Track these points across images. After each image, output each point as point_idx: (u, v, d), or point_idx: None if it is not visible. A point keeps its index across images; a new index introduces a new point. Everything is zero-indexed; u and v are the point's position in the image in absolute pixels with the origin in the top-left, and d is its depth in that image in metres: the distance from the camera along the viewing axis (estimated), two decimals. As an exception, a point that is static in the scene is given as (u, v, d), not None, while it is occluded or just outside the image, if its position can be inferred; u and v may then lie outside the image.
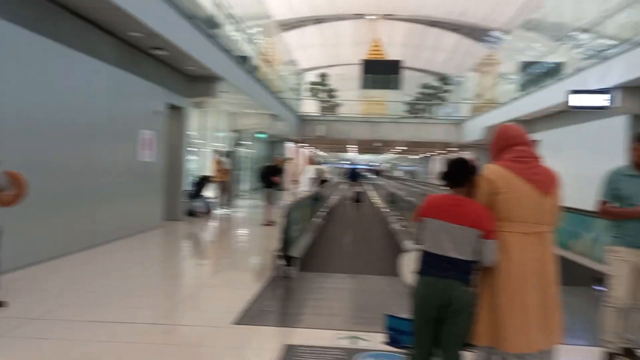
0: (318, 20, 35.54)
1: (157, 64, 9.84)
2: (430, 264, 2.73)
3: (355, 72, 31.84)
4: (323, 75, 34.51)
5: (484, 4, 28.95)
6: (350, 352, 3.84)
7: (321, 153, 49.89)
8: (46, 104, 6.59)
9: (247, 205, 17.80)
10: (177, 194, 11.51)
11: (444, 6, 30.98)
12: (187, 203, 12.41)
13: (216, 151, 14.95)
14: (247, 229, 12.59)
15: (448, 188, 2.87)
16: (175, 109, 11.28)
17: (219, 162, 14.37)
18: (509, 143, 2.90)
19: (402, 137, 26.69)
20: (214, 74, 11.13)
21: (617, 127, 11.31)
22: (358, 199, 22.34)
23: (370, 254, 9.50)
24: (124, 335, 4.08)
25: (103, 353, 3.73)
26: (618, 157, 10.86)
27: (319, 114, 29.27)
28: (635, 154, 3.79)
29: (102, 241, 8.03)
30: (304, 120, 26.21)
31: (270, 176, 12.00)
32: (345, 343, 4.01)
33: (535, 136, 14.42)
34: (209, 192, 14.44)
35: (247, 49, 14.68)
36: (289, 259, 6.25)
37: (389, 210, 15.16)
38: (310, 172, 14.48)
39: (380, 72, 28.56)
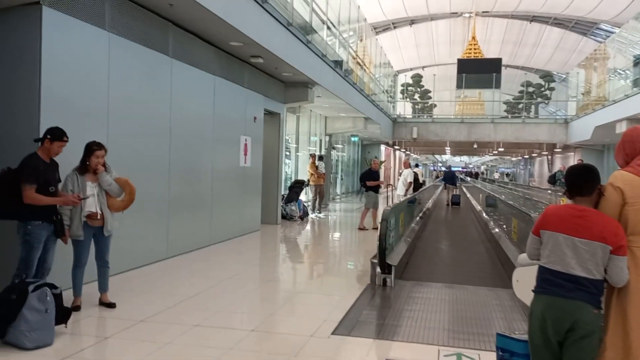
0: (412, 21, 34.99)
1: (255, 71, 10.12)
2: (552, 281, 2.47)
3: (451, 72, 30.94)
4: (417, 77, 33.84)
5: (591, -5, 26.97)
6: (456, 371, 3.63)
7: (415, 155, 49.01)
8: (157, 113, 6.97)
9: (342, 209, 17.85)
10: (274, 198, 11.77)
11: (546, 0, 29.22)
12: (283, 207, 12.66)
13: (312, 155, 15.13)
14: (342, 232, 12.58)
15: (570, 197, 2.60)
16: (272, 115, 11.55)
17: (315, 166, 14.53)
18: None
19: (501, 138, 25.47)
20: (309, 79, 11.25)
21: None
22: (455, 201, 21.73)
23: (469, 261, 9.09)
24: (223, 341, 4.16)
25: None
26: None
27: (412, 116, 28.74)
28: None
29: (206, 244, 8.39)
30: (397, 122, 25.87)
31: (368, 180, 11.89)
32: (450, 361, 3.79)
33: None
34: (304, 196, 14.65)
35: (341, 53, 14.71)
36: (386, 267, 6.10)
37: (488, 214, 14.48)
38: (405, 175, 14.16)
39: (477, 71, 27.51)
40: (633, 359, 2.39)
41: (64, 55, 5.25)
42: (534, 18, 33.56)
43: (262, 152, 10.92)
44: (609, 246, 2.38)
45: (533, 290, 2.56)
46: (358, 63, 17.49)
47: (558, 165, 30.56)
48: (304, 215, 13.27)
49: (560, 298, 2.42)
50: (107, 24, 5.84)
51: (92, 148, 4.73)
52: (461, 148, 41.27)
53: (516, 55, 38.59)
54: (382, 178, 15.85)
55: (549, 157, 35.43)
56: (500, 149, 36.00)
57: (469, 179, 45.80)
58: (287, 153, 15.25)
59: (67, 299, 4.53)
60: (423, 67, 40.01)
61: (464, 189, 28.84)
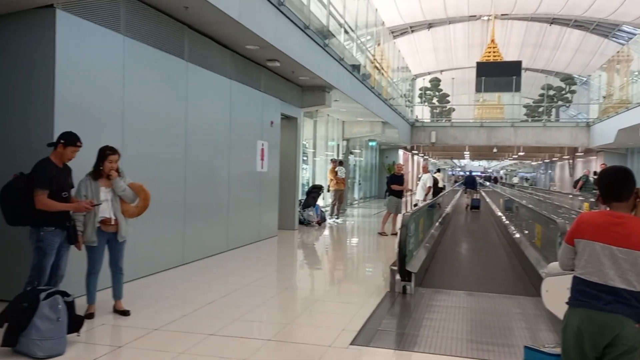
0: (430, 24, 34.76)
1: (271, 75, 10.04)
2: (588, 293, 2.29)
3: (470, 75, 30.62)
4: (435, 80, 33.58)
5: (613, -3, 26.48)
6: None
7: (433, 160, 48.63)
8: (173, 117, 6.91)
9: (360, 214, 17.68)
10: (291, 203, 11.66)
11: (566, 2, 28.78)
12: (300, 212, 12.54)
13: (333, 160, 15.00)
14: (361, 238, 12.42)
15: (604, 203, 2.42)
16: (289, 119, 11.46)
17: (335, 172, 14.38)
18: None
19: (522, 142, 25.09)
20: (326, 84, 11.14)
21: None
22: (475, 205, 21.78)
23: (490, 267, 8.87)
24: (238, 351, 4.03)
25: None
26: None
27: (431, 120, 28.48)
28: None
29: (223, 250, 8.31)
30: (415, 126, 25.65)
31: (393, 183, 11.73)
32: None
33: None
34: (322, 201, 14.52)
35: (359, 57, 14.59)
36: (406, 274, 5.93)
37: (508, 219, 14.19)
38: (424, 179, 13.96)
39: (497, 74, 27.16)
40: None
41: (78, 59, 5.20)
42: (554, 20, 33.10)
43: (279, 157, 10.83)
44: None
45: (568, 303, 2.39)
46: (376, 67, 17.34)
47: (580, 169, 29.96)
48: (321, 221, 13.13)
49: (599, 311, 2.24)
50: (122, 27, 5.79)
51: (106, 153, 4.66)
52: (480, 152, 40.78)
53: (536, 58, 38.09)
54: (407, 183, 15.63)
55: (571, 161, 34.77)
56: (520, 153, 35.48)
57: (488, 183, 45.22)
58: (305, 158, 15.14)
59: (81, 306, 4.46)
60: (441, 71, 39.70)
61: (483, 194, 28.45)
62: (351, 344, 4.20)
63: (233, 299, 5.65)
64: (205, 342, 4.19)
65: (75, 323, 4.00)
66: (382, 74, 18.75)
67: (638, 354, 2.24)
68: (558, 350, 2.79)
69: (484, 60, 31.99)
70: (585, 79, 33.78)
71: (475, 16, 33.72)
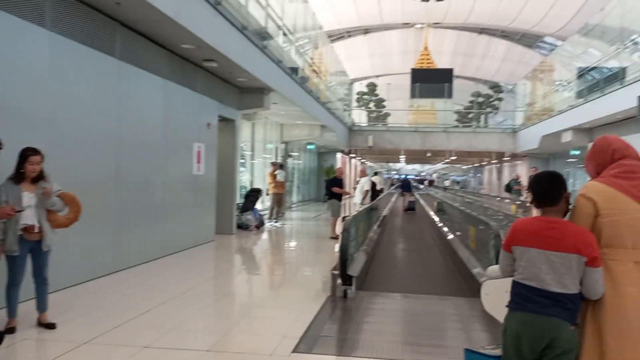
0: (366, 30, 35.38)
1: (208, 76, 9.81)
2: (527, 298, 2.34)
3: (404, 81, 31.41)
4: (372, 85, 34.19)
5: (536, 10, 28.02)
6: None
7: (370, 163, 49.45)
8: (102, 118, 6.58)
9: (298, 218, 17.64)
10: (229, 207, 11.43)
11: (494, 13, 30.18)
12: (238, 216, 12.33)
13: (274, 163, 14.86)
14: (300, 242, 12.37)
15: (537, 207, 2.49)
16: (226, 121, 11.24)
17: (274, 174, 14.24)
18: (613, 156, 2.49)
19: (454, 147, 26.03)
20: (265, 86, 11.03)
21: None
22: (411, 207, 22.70)
23: (427, 269, 9.09)
24: (178, 361, 3.87)
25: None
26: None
27: (368, 125, 28.98)
28: None
29: (158, 256, 7.99)
30: (353, 130, 25.97)
31: (333, 186, 11.75)
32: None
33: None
34: (260, 205, 14.34)
35: (297, 60, 14.57)
36: (347, 278, 5.93)
37: (442, 221, 14.64)
38: (362, 183, 14.13)
39: (430, 81, 28.03)
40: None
41: (-2, 54, 4.83)
42: (482, 30, 34.62)
43: (216, 159, 10.59)
44: (584, 257, 2.28)
45: (508, 306, 2.44)
46: (314, 70, 17.40)
47: (507, 173, 31.47)
48: (260, 225, 12.97)
49: (537, 315, 2.30)
50: (47, 21, 5.44)
51: (26, 154, 4.33)
52: (415, 156, 41.93)
53: (466, 66, 39.68)
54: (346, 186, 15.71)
55: (498, 165, 36.44)
56: (452, 158, 36.80)
57: (422, 186, 46.59)
58: (242, 161, 14.92)
59: (1, 319, 4.12)
60: (377, 76, 40.52)
61: (418, 196, 29.27)
62: (293, 351, 4.13)
63: (169, 308, 5.42)
64: (140, 355, 3.98)
65: (-7, 339, 3.69)
66: (320, 77, 18.84)
67: (574, 355, 2.31)
68: (497, 352, 2.85)
69: (418, 67, 32.93)
70: (511, 87, 35.53)
71: (409, 24, 34.67)
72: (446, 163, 50.06)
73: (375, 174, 23.69)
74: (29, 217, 4.32)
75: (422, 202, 26.61)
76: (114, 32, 6.68)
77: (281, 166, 15.27)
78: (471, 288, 6.98)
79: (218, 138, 10.64)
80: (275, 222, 14.28)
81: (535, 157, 25.69)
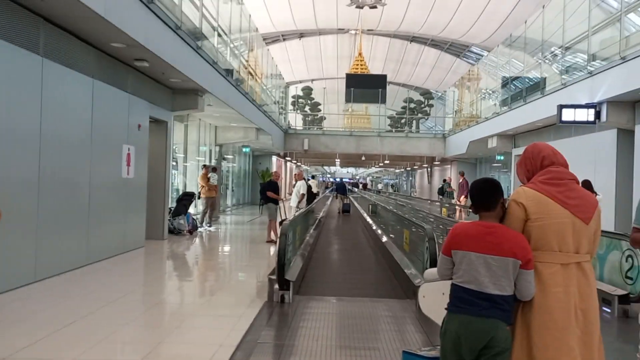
0: (301, 34, 35.52)
1: (140, 76, 9.47)
2: (466, 300, 2.42)
3: (339, 86, 31.81)
4: (307, 89, 34.35)
5: (464, 21, 29.24)
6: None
7: (305, 167, 49.62)
8: (23, 117, 6.18)
9: (233, 222, 17.39)
10: (160, 212, 11.05)
11: (424, 23, 31.20)
12: (170, 221, 11.97)
13: (205, 166, 14.53)
14: (234, 247, 12.17)
15: (475, 213, 2.58)
16: (158, 123, 10.89)
17: (207, 178, 13.94)
18: (542, 163, 2.61)
19: (387, 151, 26.67)
20: (199, 87, 10.79)
21: (605, 142, 11.28)
22: (346, 209, 23.36)
23: (362, 271, 9.21)
24: (107, 375, 3.67)
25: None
26: (607, 172, 10.86)
27: (303, 128, 29.09)
28: None
29: (83, 263, 7.59)
30: (288, 133, 25.99)
31: (269, 190, 11.64)
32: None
33: (518, 152, 14.47)
34: (193, 209, 14.00)
35: (232, 62, 14.38)
36: (285, 283, 5.89)
37: (376, 224, 14.93)
38: (298, 187, 14.14)
39: (364, 86, 28.54)
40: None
41: None
42: (413, 38, 35.65)
43: (147, 162, 10.22)
44: (519, 261, 2.38)
45: (447, 309, 2.50)
46: (249, 72, 17.24)
47: (437, 177, 32.59)
48: (193, 229, 12.65)
49: (476, 317, 2.38)
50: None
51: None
52: (349, 160, 42.56)
53: (398, 73, 40.72)
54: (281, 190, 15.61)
55: (429, 169, 37.68)
56: (386, 161, 37.63)
57: (356, 189, 47.31)
58: (174, 163, 14.52)
59: None
60: (312, 80, 40.76)
61: (352, 199, 29.71)
62: (230, 360, 4.04)
63: (96, 319, 5.15)
64: (64, 371, 3.76)
65: None
66: (256, 79, 18.70)
67: (509, 354, 2.40)
68: (434, 353, 2.92)
69: (353, 72, 33.43)
70: (441, 94, 36.85)
71: (343, 29, 35.13)
72: (380, 166, 51.13)
73: (313, 177, 23.89)
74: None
75: (356, 204, 27.02)
76: (37, 27, 6.30)
77: (214, 169, 14.99)
78: (405, 289, 7.16)
79: (149, 140, 10.28)
80: (209, 226, 14.00)
81: (464, 162, 26.79)
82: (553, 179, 2.54)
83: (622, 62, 9.43)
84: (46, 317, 5.10)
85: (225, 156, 21.08)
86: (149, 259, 9.40)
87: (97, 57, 7.88)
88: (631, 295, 5.78)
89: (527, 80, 16.56)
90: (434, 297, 2.80)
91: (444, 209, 20.50)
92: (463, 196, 19.44)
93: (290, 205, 14.16)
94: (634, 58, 9.08)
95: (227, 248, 12.00)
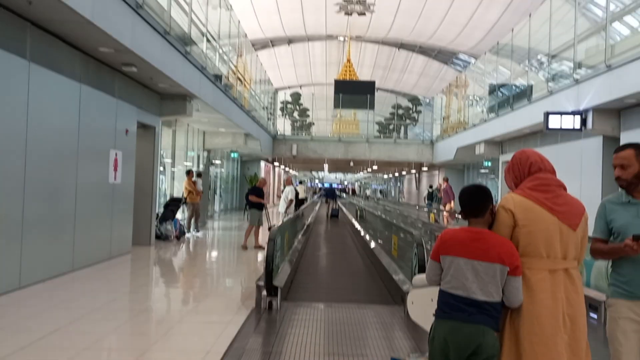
0: (290, 40, 35.58)
1: (127, 80, 9.41)
2: (454, 306, 2.42)
3: (327, 92, 31.86)
4: (296, 95, 34.39)
5: (451, 28, 29.51)
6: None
7: (293, 172, 49.60)
8: (8, 121, 6.11)
9: (220, 227, 17.30)
10: (147, 217, 10.97)
11: (412, 30, 31.43)
12: (157, 226, 11.87)
13: (190, 171, 14.46)
14: (222, 252, 12.10)
15: (464, 219, 2.60)
16: (146, 128, 10.82)
17: (192, 183, 13.86)
18: (530, 170, 2.63)
19: (375, 157, 26.74)
20: (187, 92, 10.74)
21: (591, 149, 11.41)
22: (334, 214, 23.72)
23: (350, 277, 9.20)
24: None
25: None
26: (593, 179, 10.98)
27: (292, 134, 29.11)
28: (615, 170, 2.89)
29: (68, 270, 7.50)
30: (277, 139, 25.97)
31: (251, 194, 11.59)
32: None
33: (505, 158, 14.56)
34: (181, 215, 13.91)
35: (221, 68, 14.35)
36: (273, 289, 5.86)
37: (362, 227, 14.97)
38: (286, 192, 14.12)
39: (353, 92, 28.64)
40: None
41: None
42: (402, 45, 35.87)
43: (134, 167, 10.14)
44: (507, 267, 2.40)
45: (435, 315, 2.50)
46: (238, 78, 17.22)
47: (425, 183, 32.73)
48: (180, 235, 12.57)
49: (464, 323, 2.39)
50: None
51: None
52: (338, 165, 42.60)
53: (386, 79, 40.92)
54: (267, 195, 15.56)
55: (417, 175, 37.84)
56: (374, 167, 37.73)
57: (344, 195, 47.38)
58: (162, 169, 14.43)
59: None
60: (301, 86, 40.84)
61: (341, 204, 29.76)
62: (217, 367, 4.01)
63: (81, 326, 5.09)
64: (49, 379, 3.70)
65: None
66: (245, 85, 18.68)
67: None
68: (421, 359, 2.93)
69: (341, 78, 33.54)
70: (428, 100, 37.06)
71: (332, 36, 35.27)
72: (368, 172, 51.25)
73: (301, 182, 23.94)
74: None
75: (344, 210, 27.06)
76: (24, 31, 6.24)
77: (199, 174, 14.91)
78: (393, 294, 7.16)
79: (137, 145, 10.21)
80: (197, 231, 13.92)
81: (452, 168, 26.93)
82: (541, 185, 2.56)
83: (608, 71, 9.56)
84: (29, 324, 5.03)
85: (214, 161, 21.00)
86: (136, 265, 9.32)
87: (85, 61, 7.82)
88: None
89: (514, 87, 16.71)
90: (422, 304, 2.81)
91: (431, 215, 20.58)
92: (448, 202, 19.54)
93: (279, 211, 14.13)
94: (619, 66, 9.20)
95: (214, 254, 11.93)
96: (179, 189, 15.83)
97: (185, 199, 13.76)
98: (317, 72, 41.08)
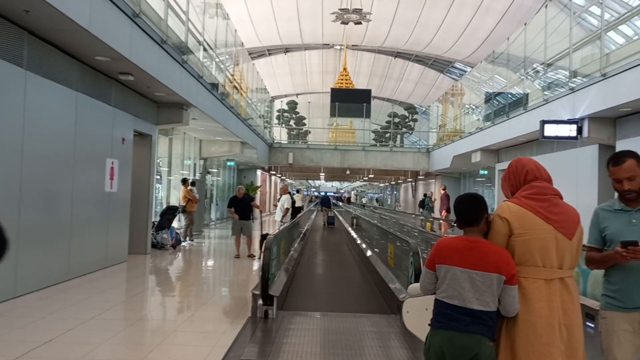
0: (287, 49, 35.72)
1: (124, 89, 9.42)
2: (449, 316, 2.41)
3: (324, 100, 31.97)
4: (292, 103, 34.47)
5: (447, 37, 29.69)
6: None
7: (290, 180, 49.60)
8: (4, 130, 6.10)
9: (216, 236, 17.25)
10: (143, 226, 10.93)
11: (408, 39, 31.61)
12: (153, 235, 11.83)
13: (186, 179, 14.43)
14: (218, 261, 12.06)
15: (460, 228, 2.59)
16: (142, 136, 10.81)
17: (189, 191, 13.83)
18: (526, 178, 2.63)
19: (372, 165, 26.76)
20: (184, 101, 10.75)
21: (587, 157, 11.46)
22: (330, 222, 23.93)
23: (347, 286, 9.17)
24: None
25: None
26: (589, 187, 11.01)
27: (288, 142, 29.14)
28: (612, 179, 2.86)
29: (64, 278, 7.46)
30: (273, 147, 25.98)
31: (229, 206, 11.51)
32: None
33: (501, 166, 14.56)
34: (177, 223, 13.88)
35: (218, 76, 14.38)
36: (269, 298, 5.83)
37: (358, 235, 14.95)
38: (282, 201, 14.11)
39: (349, 100, 28.71)
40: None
41: None
42: (398, 54, 36.06)
43: (130, 176, 10.12)
44: (503, 276, 2.39)
45: (430, 324, 2.49)
46: (235, 86, 17.26)
47: (421, 191, 32.76)
48: (176, 244, 12.52)
49: (460, 333, 2.38)
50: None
51: None
52: (334, 174, 42.62)
53: (383, 87, 41.08)
54: (257, 204, 15.49)
55: (413, 183, 37.87)
56: (370, 175, 37.75)
57: (340, 203, 47.37)
58: (158, 177, 14.40)
59: None
60: (297, 94, 40.93)
61: (337, 212, 29.75)
62: (212, 378, 3.98)
63: (76, 336, 5.05)
64: (42, 390, 3.66)
65: None
66: (241, 93, 18.71)
67: None
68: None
69: (338, 86, 33.64)
70: (425, 108, 37.22)
71: (328, 45, 35.43)
72: (364, 180, 51.28)
73: (297, 191, 23.99)
74: None
75: (340, 218, 27.03)
76: (21, 40, 6.24)
77: (193, 183, 14.88)
78: (389, 303, 7.14)
79: (133, 153, 10.20)
80: (191, 240, 13.88)
81: (448, 176, 26.98)
82: (536, 194, 2.56)
83: (603, 79, 9.62)
84: (23, 334, 4.99)
85: (210, 170, 20.98)
86: (131, 274, 9.27)
87: (82, 70, 7.83)
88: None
89: (510, 95, 16.79)
90: (417, 313, 2.79)
91: (428, 223, 20.59)
92: (444, 210, 19.55)
93: (275, 219, 14.11)
94: (614, 75, 9.26)
95: (210, 262, 11.88)
96: (176, 198, 15.80)
97: (184, 207, 13.73)
98: (313, 80, 41.21)
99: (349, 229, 19.48)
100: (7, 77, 6.08)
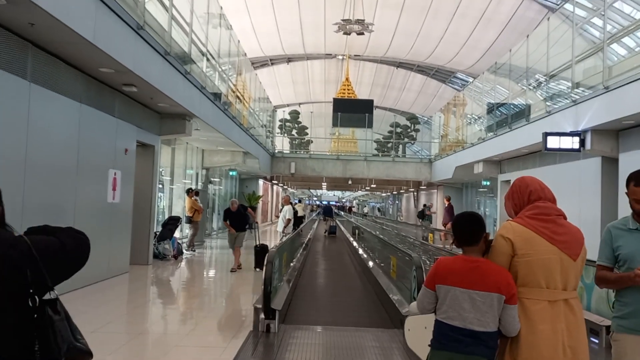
0: (289, 59, 35.87)
1: (127, 100, 9.45)
2: (450, 337, 2.39)
3: (327, 109, 32.01)
4: (294, 113, 34.55)
5: (449, 48, 29.80)
6: None
7: (292, 190, 49.58)
8: (8, 141, 6.11)
9: (218, 246, 17.22)
10: (145, 236, 10.92)
11: (410, 49, 31.72)
12: (155, 245, 11.81)
13: (190, 190, 14.43)
14: (220, 273, 12.03)
15: (458, 247, 2.58)
16: (145, 147, 10.83)
17: (193, 201, 13.82)
18: (530, 198, 2.60)
19: (373, 175, 26.75)
20: (187, 112, 10.78)
21: (590, 169, 11.43)
22: (332, 231, 24.11)
23: (349, 298, 9.13)
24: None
25: None
26: (592, 200, 10.97)
27: (290, 152, 29.15)
28: (631, 198, 2.77)
29: (65, 290, 7.38)
30: (276, 157, 26.00)
31: (224, 219, 11.46)
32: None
33: (504, 177, 14.42)
34: (178, 233, 13.87)
35: (220, 86, 14.43)
36: (270, 312, 5.81)
37: (359, 245, 14.92)
38: (284, 211, 14.09)
39: (351, 110, 28.75)
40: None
41: None
42: (400, 64, 36.18)
43: (133, 186, 10.13)
44: (504, 296, 2.37)
45: (430, 345, 2.47)
46: (237, 96, 17.30)
47: (423, 201, 32.69)
48: (178, 254, 12.50)
49: (460, 354, 2.36)
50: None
51: None
52: (336, 183, 42.58)
53: (385, 97, 41.16)
54: (255, 214, 15.50)
55: (415, 193, 37.81)
56: (372, 185, 37.72)
57: (342, 213, 47.32)
58: (161, 186, 14.41)
59: None
60: (299, 104, 41.02)
61: (338, 222, 29.72)
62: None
63: (77, 350, 5.01)
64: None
65: None
66: (244, 103, 18.76)
67: None
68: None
69: (340, 96, 33.71)
70: (427, 118, 37.24)
71: (331, 55, 35.57)
72: (366, 190, 51.23)
73: (299, 201, 24.01)
74: None
75: (342, 227, 26.99)
76: (25, 52, 6.27)
77: (196, 193, 14.89)
78: (392, 317, 7.10)
79: (136, 164, 10.21)
80: (193, 250, 13.86)
81: (450, 187, 26.94)
82: (540, 214, 2.53)
83: (606, 92, 9.61)
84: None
85: (212, 179, 21.00)
86: (133, 286, 9.25)
87: (85, 81, 7.86)
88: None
89: (512, 106, 16.78)
90: (419, 331, 2.78)
91: (430, 235, 20.53)
92: (450, 222, 19.49)
93: (277, 230, 14.08)
94: (616, 88, 9.26)
95: (212, 274, 11.85)
96: (178, 208, 15.80)
97: (191, 218, 13.73)
98: (315, 90, 41.32)
99: (351, 238, 19.44)
100: (11, 89, 6.11)
